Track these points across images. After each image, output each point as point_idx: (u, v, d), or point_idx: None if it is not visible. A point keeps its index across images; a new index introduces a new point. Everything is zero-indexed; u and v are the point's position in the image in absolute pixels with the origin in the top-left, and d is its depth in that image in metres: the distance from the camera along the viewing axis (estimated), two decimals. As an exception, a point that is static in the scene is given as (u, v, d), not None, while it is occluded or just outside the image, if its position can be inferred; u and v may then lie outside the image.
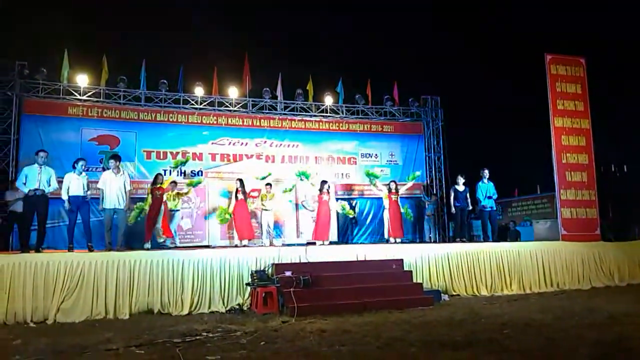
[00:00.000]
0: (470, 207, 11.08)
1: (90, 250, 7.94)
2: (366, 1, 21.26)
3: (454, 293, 8.76)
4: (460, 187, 10.99)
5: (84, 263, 6.94)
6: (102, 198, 8.35)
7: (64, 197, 8.16)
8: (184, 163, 11.77)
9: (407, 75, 17.53)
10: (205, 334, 5.74)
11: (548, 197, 17.82)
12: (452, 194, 11.04)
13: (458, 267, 8.96)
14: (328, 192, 10.75)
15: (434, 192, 14.69)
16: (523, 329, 5.83)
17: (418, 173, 13.23)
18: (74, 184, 8.19)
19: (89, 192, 8.47)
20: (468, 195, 10.91)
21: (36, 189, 7.62)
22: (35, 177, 7.68)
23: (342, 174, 14.28)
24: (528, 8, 20.59)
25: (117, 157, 8.75)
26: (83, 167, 8.42)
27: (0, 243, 9.97)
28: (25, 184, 7.66)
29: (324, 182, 10.80)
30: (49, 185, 7.80)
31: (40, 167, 7.79)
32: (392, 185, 11.49)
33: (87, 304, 6.83)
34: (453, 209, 11.01)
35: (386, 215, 11.16)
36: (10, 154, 11.54)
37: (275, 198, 11.20)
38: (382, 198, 11.51)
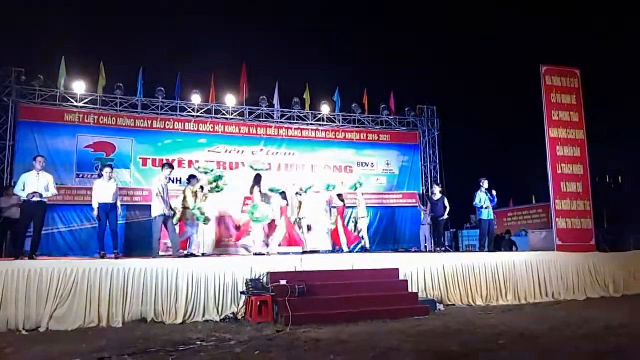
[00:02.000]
0: (447, 217, 11.16)
1: (118, 256, 8.02)
2: (363, 11, 21.41)
3: (450, 303, 8.74)
4: (436, 197, 11.08)
5: (78, 271, 6.89)
6: (164, 205, 8.36)
7: (94, 205, 8.25)
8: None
9: (404, 85, 17.64)
10: (199, 343, 5.69)
11: (543, 207, 17.90)
12: (429, 205, 11.18)
13: (454, 277, 8.94)
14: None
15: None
16: (518, 339, 5.81)
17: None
18: (103, 191, 8.27)
19: (118, 199, 8.53)
20: (446, 202, 11.01)
21: (34, 193, 7.55)
22: (34, 184, 7.64)
23: (340, 183, 14.25)
24: (523, 19, 20.79)
25: (171, 166, 8.87)
26: (110, 173, 8.45)
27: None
28: (23, 190, 7.61)
29: (283, 193, 10.69)
30: (47, 190, 7.75)
31: (38, 173, 7.76)
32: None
33: (80, 312, 6.76)
34: (429, 219, 11.11)
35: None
36: (6, 160, 11.50)
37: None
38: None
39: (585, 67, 11.57)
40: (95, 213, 8.30)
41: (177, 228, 9.32)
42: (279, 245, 9.92)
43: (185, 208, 9.54)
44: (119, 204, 8.56)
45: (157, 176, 8.92)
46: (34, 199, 7.57)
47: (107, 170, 8.49)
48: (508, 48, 20.01)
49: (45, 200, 7.80)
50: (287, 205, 10.60)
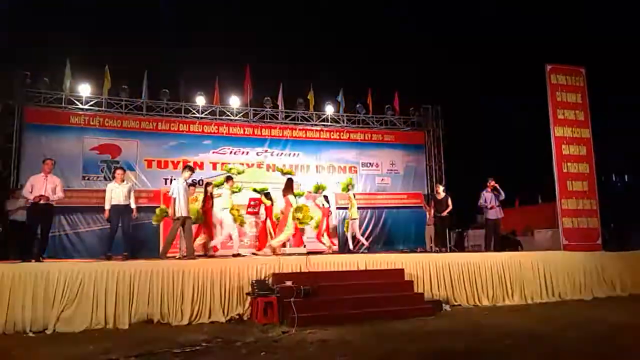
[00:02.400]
0: (446, 214, 11.10)
1: (127, 258, 8.03)
2: (367, 12, 21.39)
3: (455, 303, 8.71)
4: (440, 196, 11.00)
5: (84, 273, 6.91)
6: (175, 207, 8.33)
7: (106, 207, 8.31)
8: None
9: (408, 85, 17.59)
10: (205, 344, 5.70)
11: (549, 206, 17.77)
12: (432, 203, 11.04)
13: (459, 277, 8.91)
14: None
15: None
16: (525, 339, 5.79)
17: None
18: (115, 193, 8.33)
19: (132, 200, 8.54)
20: (449, 201, 10.96)
21: (41, 196, 7.59)
22: (41, 186, 7.67)
23: (336, 183, 14.20)
24: (528, 16, 20.70)
25: (191, 169, 8.93)
26: (122, 175, 8.49)
27: (0, 252, 9.93)
28: (31, 192, 7.64)
29: (267, 193, 10.78)
30: (54, 194, 7.78)
31: (46, 176, 7.79)
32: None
33: (86, 314, 6.79)
34: (432, 217, 11.08)
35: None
36: (12, 163, 11.57)
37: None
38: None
39: (590, 65, 11.50)
40: (106, 215, 8.35)
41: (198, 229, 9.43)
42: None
43: (221, 209, 9.57)
44: (133, 205, 8.56)
45: (177, 178, 8.97)
46: (41, 202, 7.61)
47: (119, 172, 8.55)
48: (513, 46, 19.92)
49: (53, 203, 7.83)
50: (272, 204, 10.68)
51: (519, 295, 9.16)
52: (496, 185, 10.59)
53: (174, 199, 8.32)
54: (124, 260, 7.78)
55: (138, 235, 11.59)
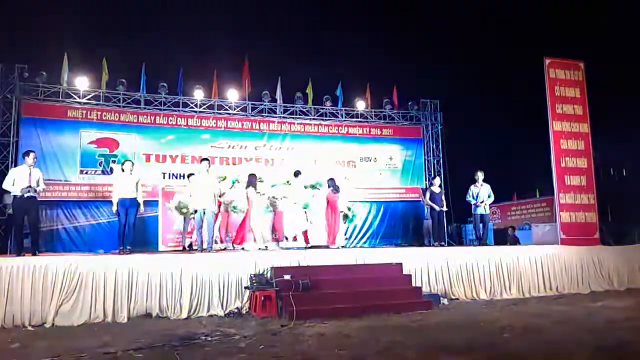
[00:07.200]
0: (446, 209, 11.14)
1: (130, 252, 8.05)
2: (364, 5, 21.30)
3: (453, 297, 8.73)
4: (436, 189, 10.97)
5: (82, 266, 6.91)
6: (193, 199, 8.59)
7: (114, 200, 8.29)
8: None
9: (406, 79, 17.52)
10: (203, 337, 5.72)
11: (547, 201, 17.83)
12: (428, 195, 10.98)
13: (457, 271, 8.93)
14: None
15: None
16: (522, 333, 5.81)
17: None
18: (123, 186, 8.31)
19: (139, 194, 8.52)
20: (444, 197, 10.95)
21: (29, 187, 7.53)
22: (26, 178, 7.60)
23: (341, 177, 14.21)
24: (526, 10, 20.63)
25: (207, 160, 9.06)
26: (130, 168, 8.47)
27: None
28: (13, 185, 7.56)
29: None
30: (38, 185, 7.74)
31: (30, 168, 7.72)
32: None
33: (85, 308, 6.80)
34: (429, 211, 11.04)
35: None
36: (10, 157, 11.56)
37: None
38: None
39: (589, 59, 11.47)
40: (114, 208, 8.34)
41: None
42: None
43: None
44: (140, 199, 8.50)
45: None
46: (28, 194, 7.56)
47: (127, 164, 8.52)
48: (511, 40, 19.85)
49: (36, 195, 7.78)
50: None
51: (517, 289, 9.20)
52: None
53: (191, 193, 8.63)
54: (129, 253, 7.80)
55: (136, 228, 11.61)
